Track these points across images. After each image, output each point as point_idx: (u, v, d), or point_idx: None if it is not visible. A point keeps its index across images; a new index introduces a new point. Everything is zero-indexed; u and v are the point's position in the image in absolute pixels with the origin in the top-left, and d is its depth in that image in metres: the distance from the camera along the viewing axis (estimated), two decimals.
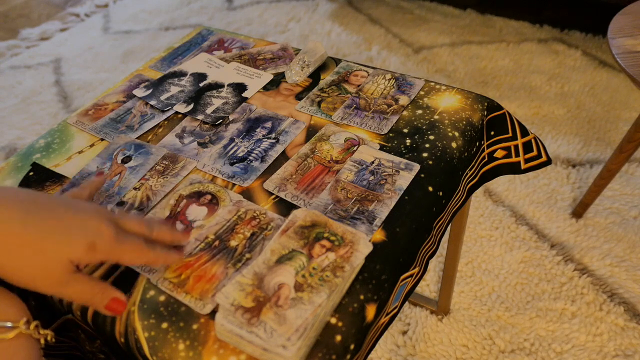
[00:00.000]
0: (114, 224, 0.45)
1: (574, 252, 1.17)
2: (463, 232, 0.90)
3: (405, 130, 0.67)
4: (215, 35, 0.90)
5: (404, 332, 1.06)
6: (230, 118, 0.71)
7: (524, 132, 0.73)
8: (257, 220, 0.56)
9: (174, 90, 0.76)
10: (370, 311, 0.50)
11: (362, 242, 0.51)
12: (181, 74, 0.79)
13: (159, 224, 0.50)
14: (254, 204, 0.58)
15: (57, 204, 0.43)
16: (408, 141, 0.65)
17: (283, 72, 0.79)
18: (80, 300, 0.44)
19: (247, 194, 0.60)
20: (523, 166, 0.74)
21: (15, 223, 0.39)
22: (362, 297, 0.50)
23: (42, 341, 0.42)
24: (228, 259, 0.52)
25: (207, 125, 0.70)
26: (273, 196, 0.59)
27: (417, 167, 0.61)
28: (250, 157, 0.64)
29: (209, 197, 0.59)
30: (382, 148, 0.64)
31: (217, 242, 0.54)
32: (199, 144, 0.67)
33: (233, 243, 0.54)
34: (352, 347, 0.47)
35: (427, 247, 0.60)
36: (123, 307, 0.46)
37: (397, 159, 0.62)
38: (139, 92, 0.77)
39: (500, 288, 1.11)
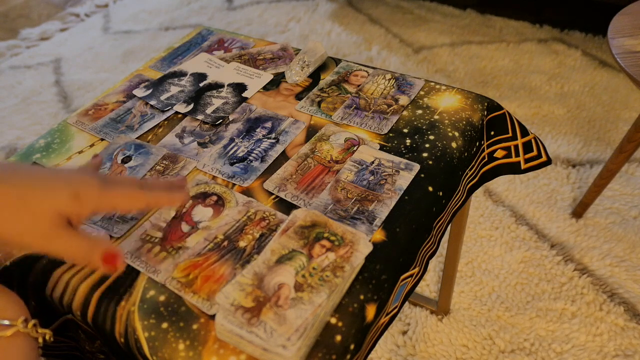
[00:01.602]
0: (101, 176, 0.43)
1: (574, 252, 1.17)
2: (463, 232, 0.90)
3: (405, 130, 0.67)
4: (215, 35, 0.90)
5: (404, 332, 1.06)
6: (230, 118, 0.71)
7: (524, 132, 0.73)
8: (267, 221, 0.56)
9: (174, 90, 0.76)
10: (370, 311, 0.50)
11: (362, 242, 0.51)
12: (181, 74, 0.79)
13: (152, 179, 0.46)
14: (263, 205, 0.58)
15: (39, 167, 0.42)
16: (408, 141, 0.65)
17: (283, 72, 0.79)
18: (69, 256, 0.41)
19: (247, 194, 0.60)
20: (523, 166, 0.74)
21: None
22: (362, 297, 0.50)
23: (40, 340, 0.42)
24: (236, 259, 0.52)
25: (207, 125, 0.70)
26: (273, 196, 0.59)
27: (417, 167, 0.61)
28: (250, 157, 0.64)
29: (214, 198, 0.59)
30: (382, 148, 0.64)
31: (225, 243, 0.54)
32: (199, 144, 0.67)
33: (242, 244, 0.54)
34: (352, 347, 0.47)
35: (427, 247, 0.60)
36: (119, 261, 0.42)
37: (397, 159, 0.62)
38: (139, 92, 0.77)
39: (500, 288, 1.11)
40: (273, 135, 0.67)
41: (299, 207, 0.57)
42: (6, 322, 0.39)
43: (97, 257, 0.41)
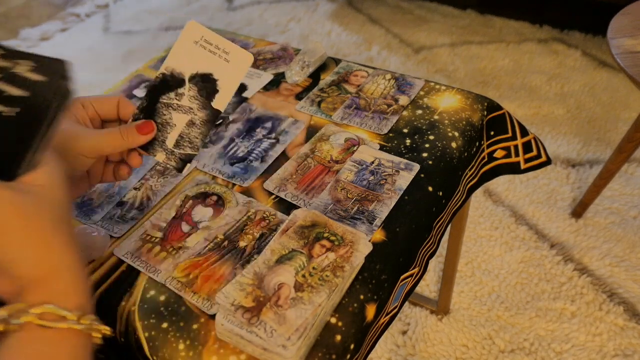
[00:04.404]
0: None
1: (573, 252, 1.17)
2: (463, 232, 0.90)
3: (405, 130, 0.67)
4: None
5: (404, 332, 1.06)
6: (230, 118, 0.71)
7: (524, 132, 0.73)
8: (267, 221, 0.56)
9: None
10: (370, 311, 0.50)
11: (362, 242, 0.51)
12: None
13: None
14: (263, 205, 0.58)
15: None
16: (408, 141, 0.65)
17: (283, 72, 0.79)
18: (116, 148, 0.47)
19: (247, 194, 0.60)
20: (523, 166, 0.74)
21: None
22: (362, 297, 0.50)
23: (99, 336, 0.37)
24: (237, 259, 0.53)
25: None
26: (273, 196, 0.59)
27: (417, 167, 0.61)
28: (250, 157, 0.64)
29: (215, 198, 0.59)
30: (382, 148, 0.64)
31: (226, 243, 0.54)
32: None
33: (242, 244, 0.54)
34: (352, 346, 0.48)
35: (427, 247, 0.60)
36: (151, 126, 0.48)
37: (397, 159, 0.62)
38: (139, 92, 0.77)
39: (500, 288, 1.11)
40: (273, 135, 0.68)
41: (299, 207, 0.57)
42: (65, 312, 0.35)
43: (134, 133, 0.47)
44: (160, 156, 0.49)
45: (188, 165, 0.50)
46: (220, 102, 0.49)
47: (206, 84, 0.49)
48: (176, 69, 0.49)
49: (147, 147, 0.49)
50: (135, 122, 0.48)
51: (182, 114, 0.49)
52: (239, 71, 0.49)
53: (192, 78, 0.49)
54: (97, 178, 0.50)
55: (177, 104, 0.49)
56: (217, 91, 0.49)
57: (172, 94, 0.49)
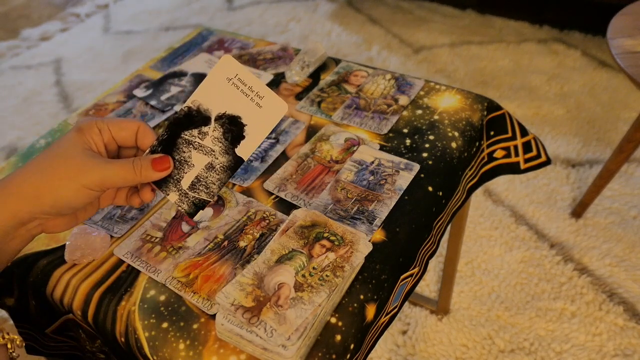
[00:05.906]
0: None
1: (573, 252, 1.17)
2: (463, 232, 0.90)
3: (405, 130, 0.67)
4: (216, 35, 0.90)
5: (404, 332, 1.06)
6: None
7: (524, 132, 0.73)
8: (267, 221, 0.56)
9: (174, 90, 0.77)
10: (370, 311, 0.50)
11: (362, 242, 0.51)
12: (181, 74, 0.80)
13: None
14: (263, 205, 0.58)
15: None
16: (408, 141, 0.65)
17: (283, 72, 0.79)
18: (127, 182, 0.43)
19: (247, 194, 0.60)
20: (522, 166, 0.74)
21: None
22: (362, 296, 0.50)
23: (10, 345, 0.39)
24: (237, 259, 0.53)
25: None
26: (273, 196, 0.59)
27: (417, 167, 0.61)
28: (250, 157, 0.64)
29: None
30: (382, 148, 0.64)
31: (226, 243, 0.54)
32: None
33: (242, 244, 0.54)
34: (352, 346, 0.48)
35: (427, 247, 0.60)
36: (167, 163, 0.44)
37: (397, 159, 0.63)
38: (139, 92, 0.77)
39: (500, 288, 1.11)
40: (273, 135, 0.68)
41: (299, 207, 0.57)
42: None
43: (149, 169, 0.44)
44: (173, 196, 0.46)
45: (201, 212, 0.46)
46: (245, 150, 0.45)
47: (233, 127, 0.45)
48: (203, 104, 0.45)
49: (161, 184, 0.45)
50: (152, 156, 0.44)
51: (202, 155, 0.45)
52: (271, 120, 0.45)
53: (219, 118, 0.45)
54: (109, 202, 0.47)
55: (199, 142, 0.45)
56: (243, 137, 0.45)
57: (195, 131, 0.46)
